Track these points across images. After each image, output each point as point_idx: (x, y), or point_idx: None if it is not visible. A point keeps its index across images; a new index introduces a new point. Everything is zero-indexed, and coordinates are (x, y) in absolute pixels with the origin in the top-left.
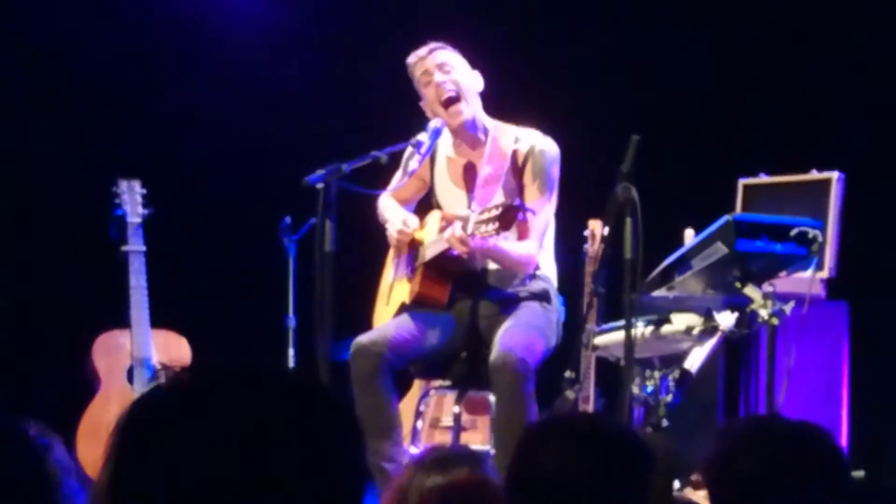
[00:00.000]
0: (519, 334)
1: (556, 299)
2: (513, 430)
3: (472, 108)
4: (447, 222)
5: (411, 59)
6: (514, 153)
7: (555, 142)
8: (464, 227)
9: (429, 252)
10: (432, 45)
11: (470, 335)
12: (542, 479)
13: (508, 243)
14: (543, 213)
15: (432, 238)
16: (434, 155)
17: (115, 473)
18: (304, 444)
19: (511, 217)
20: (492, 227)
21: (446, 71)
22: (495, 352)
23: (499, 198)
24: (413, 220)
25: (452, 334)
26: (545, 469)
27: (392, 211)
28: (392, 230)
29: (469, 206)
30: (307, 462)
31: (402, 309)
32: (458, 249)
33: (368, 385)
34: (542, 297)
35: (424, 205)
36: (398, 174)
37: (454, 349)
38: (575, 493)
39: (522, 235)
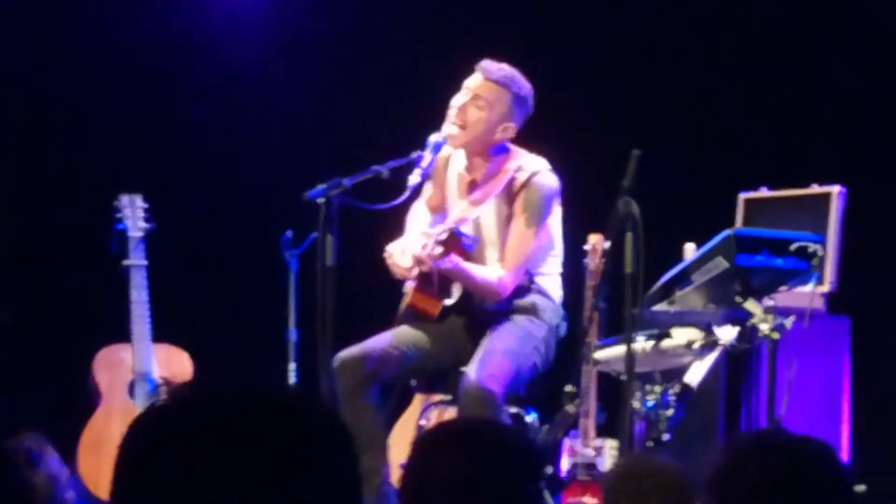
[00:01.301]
0: (489, 363)
1: (552, 313)
2: None
3: (468, 143)
4: (427, 237)
5: (482, 65)
6: (512, 180)
7: (555, 173)
8: (424, 247)
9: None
10: (503, 75)
11: (462, 349)
12: (433, 489)
13: (476, 267)
14: (522, 242)
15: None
16: (448, 166)
17: (118, 491)
18: (302, 460)
19: (452, 242)
20: (439, 250)
21: (478, 106)
22: (464, 381)
23: (469, 217)
24: (412, 246)
25: (443, 347)
26: (436, 478)
27: (411, 226)
28: (393, 265)
29: (472, 225)
30: (305, 477)
31: (399, 320)
32: (420, 266)
33: (350, 399)
34: (530, 310)
35: None
36: (405, 194)
37: (445, 362)
38: (466, 501)
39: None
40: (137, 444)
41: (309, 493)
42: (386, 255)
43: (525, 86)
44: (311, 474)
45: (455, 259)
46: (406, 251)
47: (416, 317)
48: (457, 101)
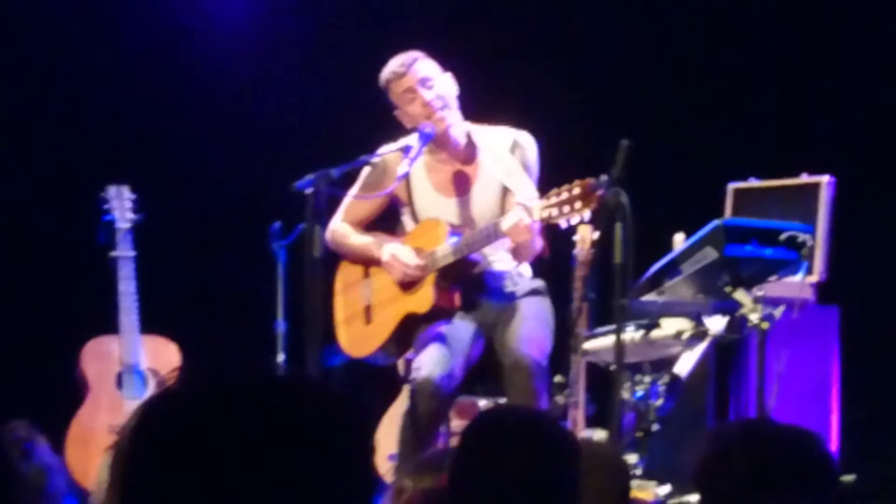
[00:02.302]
0: (530, 333)
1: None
2: None
3: (454, 116)
4: (454, 229)
5: (387, 75)
6: (493, 152)
7: (538, 141)
8: (530, 215)
9: (441, 260)
10: (406, 58)
11: (493, 339)
12: (484, 477)
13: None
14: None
15: (439, 245)
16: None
17: (125, 481)
18: (314, 445)
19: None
20: (570, 207)
21: (429, 87)
22: (510, 354)
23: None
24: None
25: (472, 347)
26: (487, 466)
27: (365, 239)
28: (409, 268)
29: (460, 214)
30: (317, 463)
31: (413, 323)
32: (522, 237)
33: (428, 425)
34: (541, 292)
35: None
36: (356, 190)
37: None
38: (513, 488)
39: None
40: (143, 432)
41: (319, 474)
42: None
43: (409, 52)
44: (320, 456)
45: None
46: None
47: (439, 317)
48: (422, 102)
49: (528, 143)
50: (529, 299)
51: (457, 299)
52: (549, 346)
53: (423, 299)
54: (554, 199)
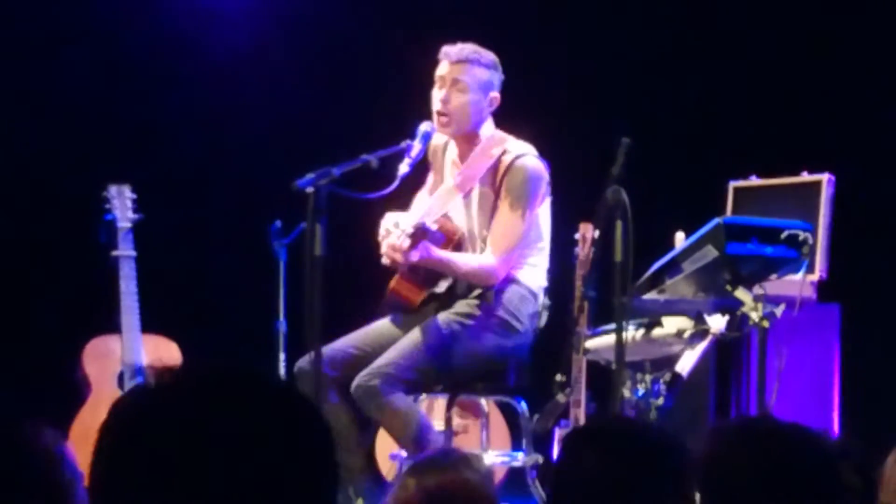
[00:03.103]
0: (390, 353)
1: (520, 300)
2: (406, 441)
3: (460, 130)
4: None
5: (442, 52)
6: (497, 162)
7: (543, 159)
8: (399, 237)
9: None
10: (467, 52)
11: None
12: (582, 486)
13: (459, 255)
14: (508, 226)
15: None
16: (445, 154)
17: (97, 474)
18: (279, 443)
19: (417, 237)
20: (407, 242)
21: (458, 90)
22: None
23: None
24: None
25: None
26: (584, 475)
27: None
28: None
29: (464, 213)
30: (283, 462)
31: (381, 311)
32: (394, 255)
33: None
34: (481, 297)
35: None
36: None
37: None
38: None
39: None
40: (119, 427)
41: (286, 473)
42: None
43: (487, 53)
44: (287, 455)
45: (429, 247)
46: (400, 222)
47: (397, 306)
48: (437, 94)
49: (523, 168)
50: (447, 317)
51: (416, 296)
52: (412, 363)
53: (389, 286)
54: (410, 231)
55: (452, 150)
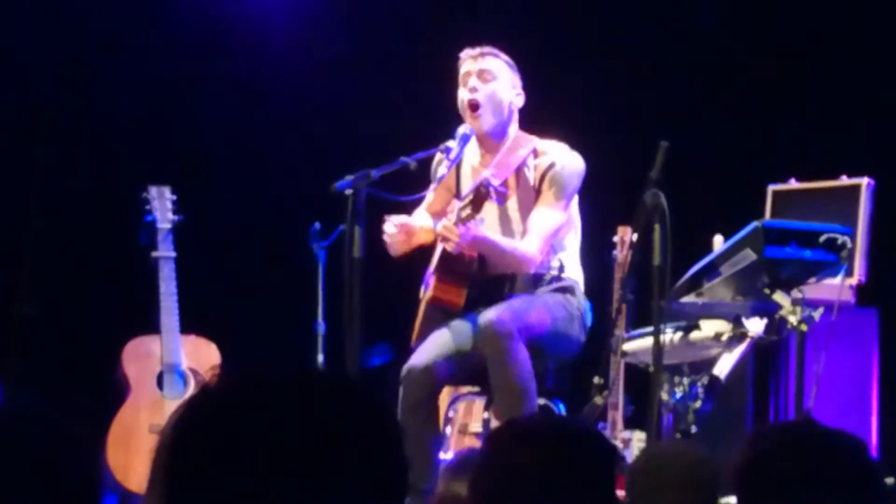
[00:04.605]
0: (508, 305)
1: (582, 297)
2: (508, 395)
3: (494, 120)
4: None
5: (463, 53)
6: (535, 167)
7: (580, 155)
8: (449, 219)
9: (436, 254)
10: (485, 48)
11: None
12: (509, 486)
13: (499, 237)
14: (550, 216)
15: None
16: (460, 164)
17: (167, 480)
18: (352, 444)
19: (480, 196)
20: (468, 210)
21: (485, 79)
22: (480, 321)
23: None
24: (402, 217)
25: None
26: (513, 474)
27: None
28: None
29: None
30: (355, 462)
31: (425, 319)
32: (446, 244)
33: (418, 411)
34: (567, 290)
35: None
36: (433, 185)
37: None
38: (541, 495)
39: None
40: (186, 432)
41: (357, 473)
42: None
43: (504, 54)
44: (359, 455)
45: (478, 225)
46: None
47: (439, 316)
48: (464, 91)
49: (563, 167)
50: (548, 294)
51: (460, 297)
52: (531, 321)
53: (428, 295)
54: (464, 202)
55: (473, 156)
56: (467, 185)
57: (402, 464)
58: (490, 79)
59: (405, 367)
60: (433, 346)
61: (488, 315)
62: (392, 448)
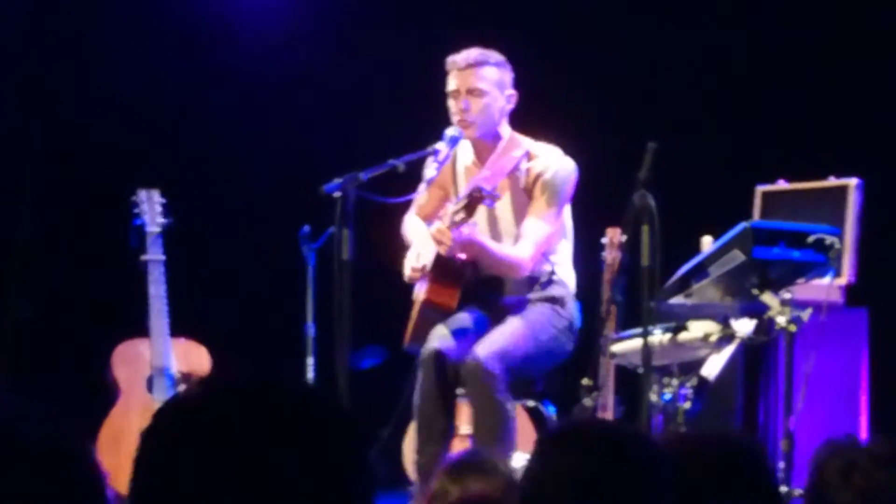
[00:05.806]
0: (496, 342)
1: (573, 304)
2: (487, 435)
3: (486, 129)
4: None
5: (449, 61)
6: (527, 171)
7: (572, 159)
8: (442, 222)
9: (430, 257)
10: (474, 56)
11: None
12: (557, 488)
13: (492, 242)
14: (542, 223)
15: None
16: (455, 164)
17: (138, 482)
18: (315, 450)
19: (473, 200)
20: (461, 215)
21: (476, 96)
22: (468, 359)
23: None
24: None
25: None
26: (559, 477)
27: (414, 234)
28: (406, 268)
29: (486, 216)
30: (319, 468)
31: (419, 321)
32: (440, 246)
33: (437, 398)
34: (556, 301)
35: None
36: (421, 187)
37: None
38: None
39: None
40: (160, 436)
41: (321, 479)
42: (414, 263)
43: (493, 52)
44: (323, 461)
45: (474, 229)
46: (421, 254)
47: (435, 316)
48: (455, 106)
49: (556, 172)
50: (538, 306)
51: (453, 299)
52: (518, 354)
53: (421, 298)
54: (458, 206)
55: (466, 157)
56: (461, 186)
57: (366, 471)
58: (480, 95)
59: (419, 356)
60: (442, 331)
61: (476, 353)
62: (356, 453)
